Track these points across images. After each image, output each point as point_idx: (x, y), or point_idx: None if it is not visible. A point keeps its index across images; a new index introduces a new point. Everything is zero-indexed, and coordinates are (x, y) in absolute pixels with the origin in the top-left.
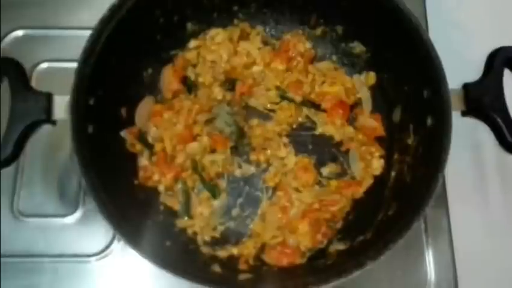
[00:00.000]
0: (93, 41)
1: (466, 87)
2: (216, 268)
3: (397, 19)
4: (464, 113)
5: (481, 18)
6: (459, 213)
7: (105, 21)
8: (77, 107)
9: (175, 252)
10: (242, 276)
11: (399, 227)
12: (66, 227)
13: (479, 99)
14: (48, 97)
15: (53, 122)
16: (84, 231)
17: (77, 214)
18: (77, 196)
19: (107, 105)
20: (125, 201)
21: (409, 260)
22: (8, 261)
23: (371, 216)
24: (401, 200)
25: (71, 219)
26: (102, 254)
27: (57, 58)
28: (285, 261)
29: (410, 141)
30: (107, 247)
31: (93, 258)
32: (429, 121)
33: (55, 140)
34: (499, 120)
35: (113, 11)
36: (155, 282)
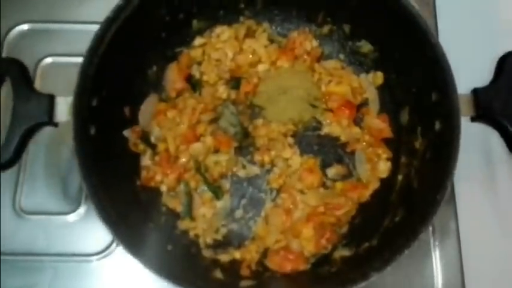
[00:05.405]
0: (97, 41)
1: (476, 92)
2: (218, 274)
3: (405, 21)
4: (473, 119)
5: (491, 22)
6: (467, 216)
7: (109, 21)
8: (79, 110)
9: (176, 257)
10: (244, 283)
11: (406, 236)
12: (68, 225)
13: (489, 105)
14: (51, 99)
15: (55, 124)
16: (86, 230)
17: (79, 212)
18: (79, 193)
19: (110, 104)
20: (127, 203)
21: (415, 263)
22: (9, 259)
23: (377, 221)
24: (408, 206)
25: (73, 217)
26: (103, 254)
27: (62, 53)
28: (288, 267)
29: (418, 144)
30: (108, 247)
31: (94, 258)
32: (437, 125)
33: (58, 136)
34: (509, 126)
35: (118, 11)
36: (156, 283)
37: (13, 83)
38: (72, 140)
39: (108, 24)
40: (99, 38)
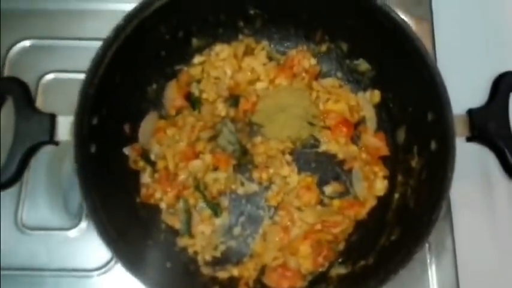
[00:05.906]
0: (98, 61)
1: (471, 112)
2: None
3: (401, 42)
4: (469, 139)
5: (488, 42)
6: (464, 234)
7: (110, 41)
8: (80, 129)
9: (175, 274)
10: None
11: (401, 256)
12: (69, 241)
13: (484, 126)
14: (52, 118)
15: (56, 143)
16: (87, 245)
17: (80, 227)
18: (80, 209)
19: (110, 122)
20: (126, 221)
21: (412, 279)
22: (10, 274)
23: (373, 239)
24: (404, 225)
25: (74, 232)
26: (104, 269)
27: (64, 69)
28: (285, 285)
29: (414, 163)
30: (109, 262)
31: (95, 273)
32: (433, 145)
33: (59, 153)
34: (504, 147)
35: (118, 30)
36: None
37: (15, 102)
38: (73, 160)
39: (108, 44)
40: (99, 58)
